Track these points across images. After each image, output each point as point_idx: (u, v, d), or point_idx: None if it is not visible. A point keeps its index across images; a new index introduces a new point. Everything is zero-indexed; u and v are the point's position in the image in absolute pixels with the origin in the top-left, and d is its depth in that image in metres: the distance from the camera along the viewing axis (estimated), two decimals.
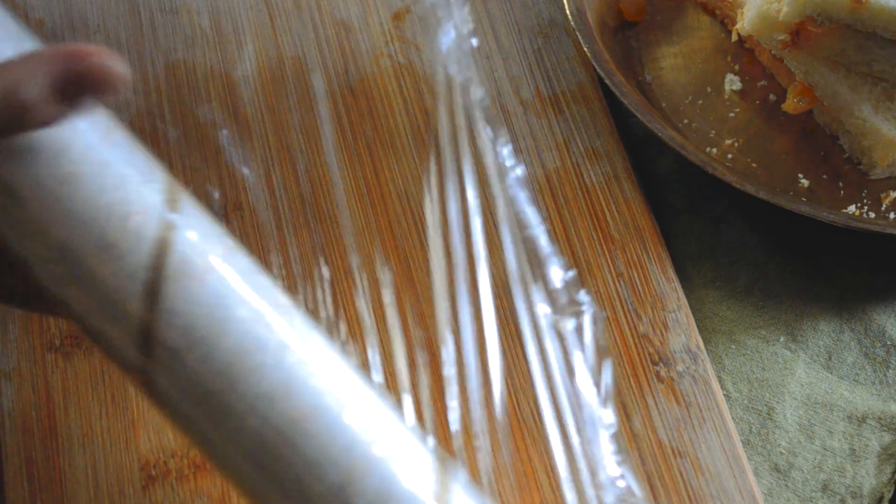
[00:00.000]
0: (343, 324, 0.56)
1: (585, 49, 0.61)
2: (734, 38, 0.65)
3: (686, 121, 0.63)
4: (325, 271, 0.57)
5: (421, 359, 0.55)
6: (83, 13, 0.65)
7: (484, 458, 0.52)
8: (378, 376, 0.54)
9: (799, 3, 0.57)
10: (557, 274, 0.53)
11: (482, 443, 0.52)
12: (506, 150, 0.56)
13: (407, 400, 0.49)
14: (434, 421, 0.51)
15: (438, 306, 0.56)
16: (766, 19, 0.60)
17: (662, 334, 0.55)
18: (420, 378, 0.55)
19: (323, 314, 0.56)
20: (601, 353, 0.52)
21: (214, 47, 0.64)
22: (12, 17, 0.40)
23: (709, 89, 0.64)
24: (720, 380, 0.55)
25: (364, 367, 0.55)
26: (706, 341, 0.57)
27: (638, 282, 0.57)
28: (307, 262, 0.57)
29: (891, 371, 0.57)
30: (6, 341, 0.55)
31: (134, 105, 0.62)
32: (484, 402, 0.53)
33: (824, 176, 0.62)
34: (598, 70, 0.60)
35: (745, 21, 0.61)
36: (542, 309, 0.53)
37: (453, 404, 0.53)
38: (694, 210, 0.61)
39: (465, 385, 0.55)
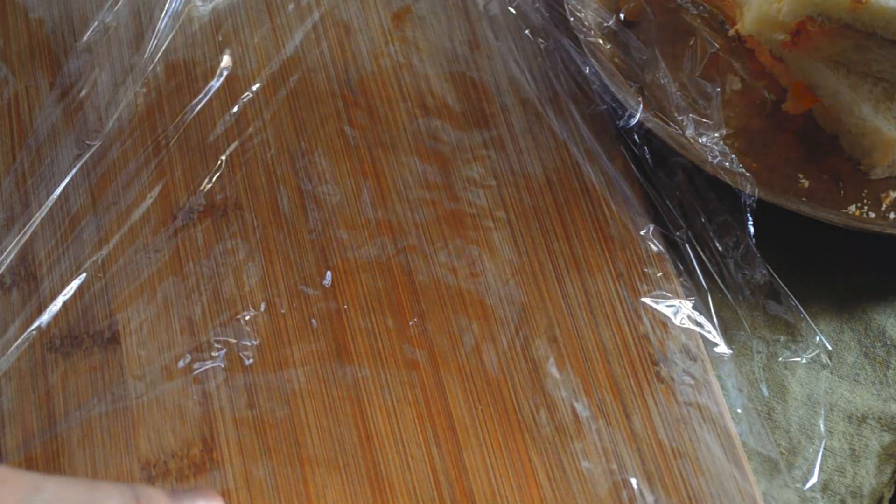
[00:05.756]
0: (345, 318, 0.56)
1: (585, 49, 0.61)
2: (731, 33, 0.65)
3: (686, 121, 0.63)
4: (326, 270, 0.57)
5: (421, 357, 0.55)
6: (83, 13, 0.65)
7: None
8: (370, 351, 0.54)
9: (799, 2, 0.57)
10: None
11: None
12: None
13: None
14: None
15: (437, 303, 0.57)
16: (766, 19, 0.60)
17: (662, 334, 0.55)
18: (417, 374, 0.55)
19: (324, 312, 0.56)
20: None
21: (215, 47, 0.64)
22: None
23: (709, 89, 0.64)
24: (720, 380, 0.55)
25: (368, 350, 0.55)
26: (706, 341, 0.57)
27: (638, 282, 0.57)
28: (307, 262, 0.57)
29: (891, 371, 0.57)
30: (6, 341, 0.55)
31: (134, 105, 0.62)
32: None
33: (824, 176, 0.62)
34: (598, 70, 0.60)
35: (746, 21, 0.61)
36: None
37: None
38: (694, 210, 0.61)
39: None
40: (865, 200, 0.61)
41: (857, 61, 0.60)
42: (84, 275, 0.57)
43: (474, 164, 0.60)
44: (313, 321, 0.56)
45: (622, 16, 0.66)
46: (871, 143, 0.60)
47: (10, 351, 0.55)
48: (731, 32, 0.65)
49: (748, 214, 0.57)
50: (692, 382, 0.54)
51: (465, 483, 0.52)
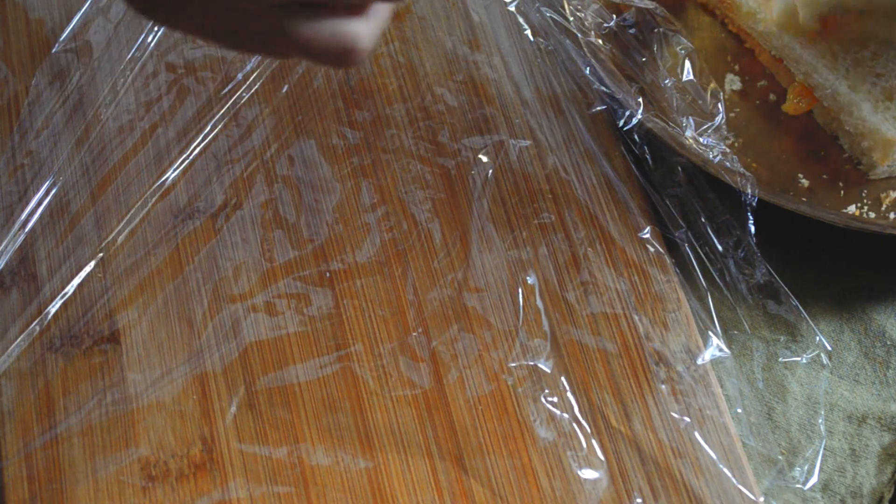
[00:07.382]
0: (345, 318, 0.56)
1: (585, 49, 0.61)
2: (731, 29, 0.65)
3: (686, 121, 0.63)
4: (326, 270, 0.57)
5: (421, 357, 0.55)
6: (83, 13, 0.65)
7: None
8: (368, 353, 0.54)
9: (812, 4, 0.58)
10: None
11: None
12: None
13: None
14: None
15: (435, 301, 0.57)
16: (793, 14, 0.60)
17: (662, 334, 0.55)
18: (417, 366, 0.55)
19: (324, 311, 0.56)
20: None
21: (215, 47, 0.64)
22: None
23: (709, 89, 0.64)
24: (720, 380, 0.55)
25: (368, 351, 0.55)
26: (706, 341, 0.57)
27: (638, 282, 0.57)
28: (307, 262, 0.57)
29: (891, 371, 0.57)
30: (6, 341, 0.55)
31: (134, 106, 0.62)
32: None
33: (824, 176, 0.62)
34: (598, 70, 0.60)
35: (774, 14, 0.61)
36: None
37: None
38: (694, 210, 0.61)
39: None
40: (865, 200, 0.61)
41: (887, 38, 0.60)
42: (84, 275, 0.57)
43: (474, 164, 0.60)
44: (313, 321, 0.56)
45: (623, 17, 0.66)
46: (871, 144, 0.60)
47: (10, 351, 0.55)
48: (761, 26, 0.65)
49: (748, 214, 0.58)
50: (692, 382, 0.54)
51: (465, 483, 0.52)
